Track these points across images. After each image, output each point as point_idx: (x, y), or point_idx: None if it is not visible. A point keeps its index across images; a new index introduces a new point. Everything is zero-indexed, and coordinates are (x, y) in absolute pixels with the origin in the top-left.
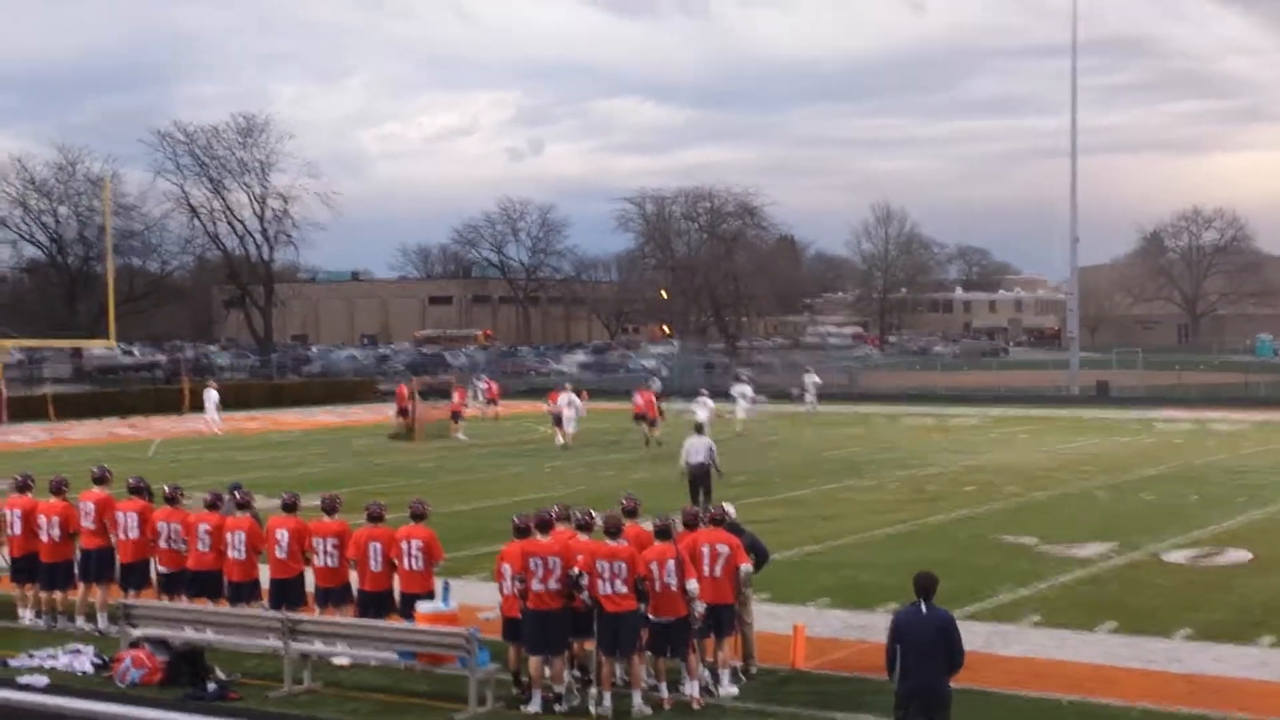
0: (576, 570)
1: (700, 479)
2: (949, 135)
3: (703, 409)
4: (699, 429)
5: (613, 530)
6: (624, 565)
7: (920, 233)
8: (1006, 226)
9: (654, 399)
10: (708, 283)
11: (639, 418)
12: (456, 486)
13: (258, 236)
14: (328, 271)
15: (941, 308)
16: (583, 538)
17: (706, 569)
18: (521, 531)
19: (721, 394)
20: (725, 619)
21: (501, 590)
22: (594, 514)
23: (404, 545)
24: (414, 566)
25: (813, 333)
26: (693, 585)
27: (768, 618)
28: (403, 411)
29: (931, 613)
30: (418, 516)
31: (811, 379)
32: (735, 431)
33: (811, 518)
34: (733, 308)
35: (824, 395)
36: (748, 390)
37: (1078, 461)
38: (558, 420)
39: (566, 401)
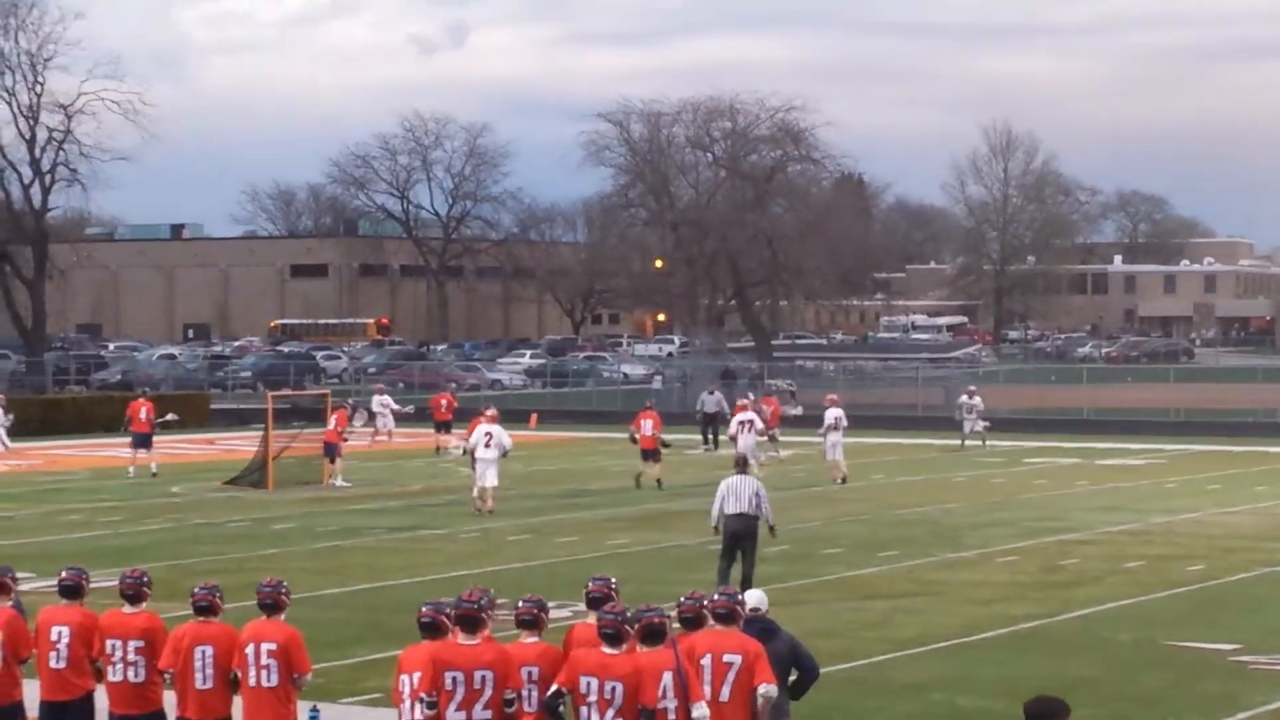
0: (521, 690)
1: (742, 538)
2: (1099, 20)
3: (743, 434)
4: (742, 465)
5: (611, 634)
6: (620, 686)
7: (1059, 171)
8: (1191, 165)
9: (657, 424)
10: (727, 247)
11: (648, 454)
12: (330, 559)
13: (24, 170)
14: (134, 225)
15: (1091, 286)
16: (528, 639)
17: (709, 689)
18: (432, 629)
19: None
20: None
21: (400, 716)
22: (544, 605)
23: (249, 651)
24: (265, 683)
25: (890, 324)
26: (700, 711)
27: None
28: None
29: None
30: (270, 608)
31: (971, 403)
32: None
33: (886, 611)
34: (767, 285)
35: (905, 420)
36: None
37: None
38: (473, 460)
39: (483, 434)
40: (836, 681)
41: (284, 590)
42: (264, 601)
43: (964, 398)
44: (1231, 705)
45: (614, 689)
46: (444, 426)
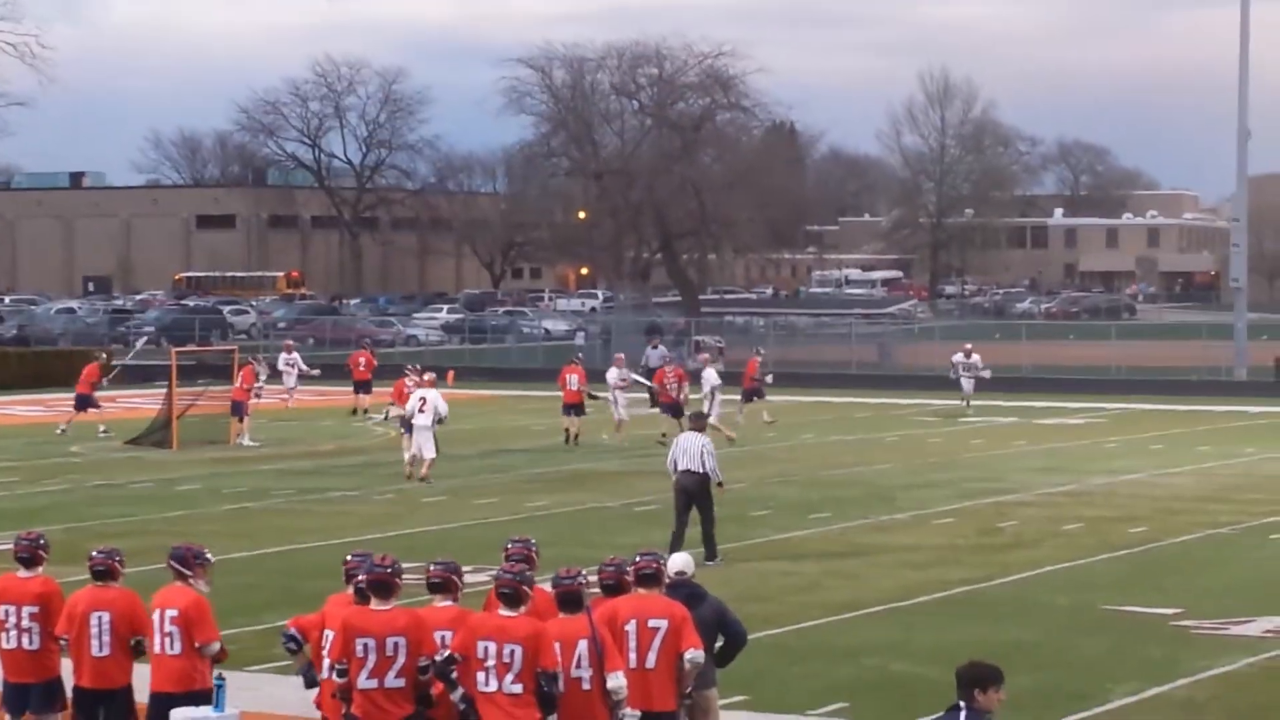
0: (437, 656)
1: (694, 495)
2: None
3: (707, 384)
4: (697, 420)
5: (509, 594)
6: (519, 650)
7: (998, 121)
8: (1136, 113)
9: (583, 378)
10: (654, 198)
11: (571, 408)
12: (239, 521)
13: None
14: (31, 174)
15: (1031, 240)
16: (441, 604)
17: (634, 656)
18: (357, 587)
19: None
20: None
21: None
22: (456, 568)
23: (155, 618)
24: (169, 650)
25: (823, 278)
26: (616, 680)
27: None
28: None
29: None
30: (179, 572)
31: (968, 363)
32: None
33: (817, 575)
34: (695, 238)
35: (838, 377)
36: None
37: (1243, 486)
38: (407, 426)
39: (418, 400)
40: (765, 647)
41: (195, 552)
42: (175, 562)
43: (959, 355)
44: (1172, 670)
45: (513, 652)
46: (363, 386)
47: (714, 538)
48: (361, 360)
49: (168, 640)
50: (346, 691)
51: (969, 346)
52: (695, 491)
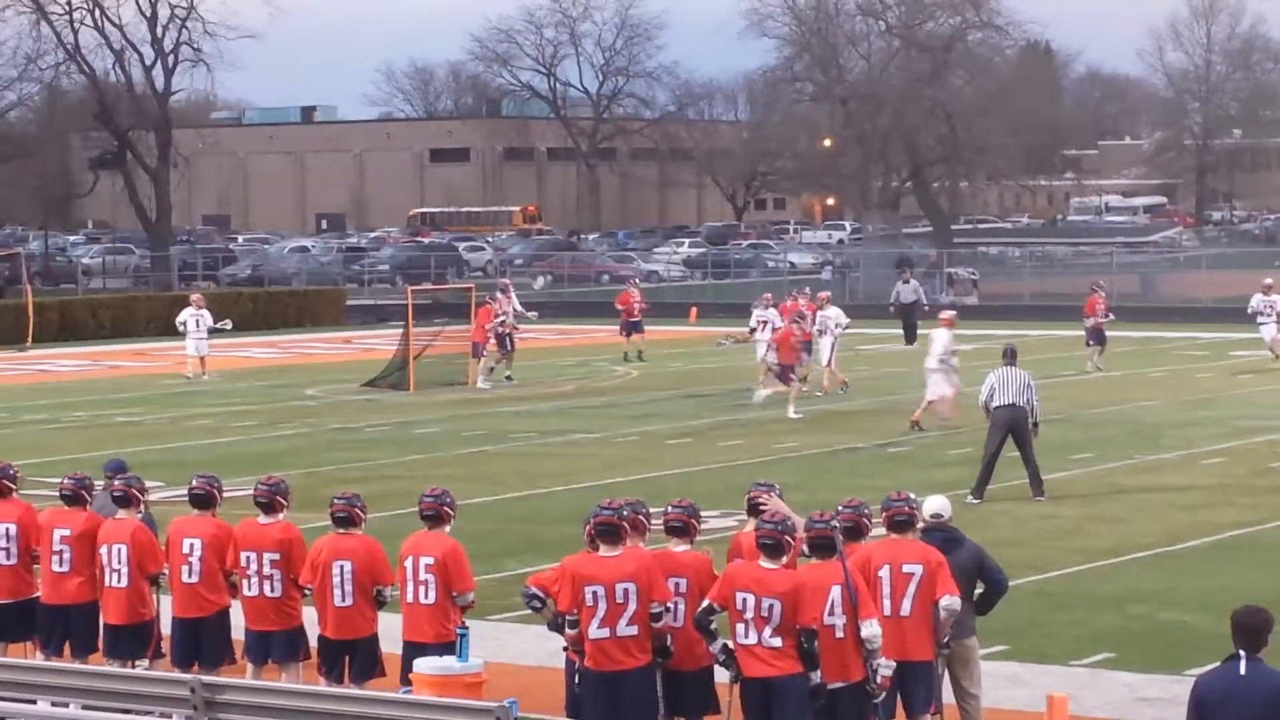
0: (671, 603)
1: (1014, 429)
2: None
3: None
4: (1010, 355)
5: (771, 544)
6: (778, 605)
7: (1268, 35)
8: None
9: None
10: (902, 124)
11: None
12: (478, 465)
13: (145, 51)
14: (262, 109)
15: None
16: (678, 549)
17: (888, 604)
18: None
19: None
20: (922, 684)
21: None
22: (695, 511)
23: (407, 565)
24: (423, 599)
25: (1082, 205)
26: (870, 629)
27: (1005, 684)
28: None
29: (1260, 675)
30: (433, 518)
31: (1270, 299)
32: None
33: (1079, 519)
34: (945, 165)
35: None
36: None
37: None
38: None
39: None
40: (1025, 594)
41: (448, 501)
42: (425, 513)
43: (1259, 297)
44: None
45: (771, 606)
46: (634, 328)
47: (1039, 471)
48: (634, 300)
49: (422, 588)
50: (578, 642)
51: (1269, 282)
52: (1016, 426)
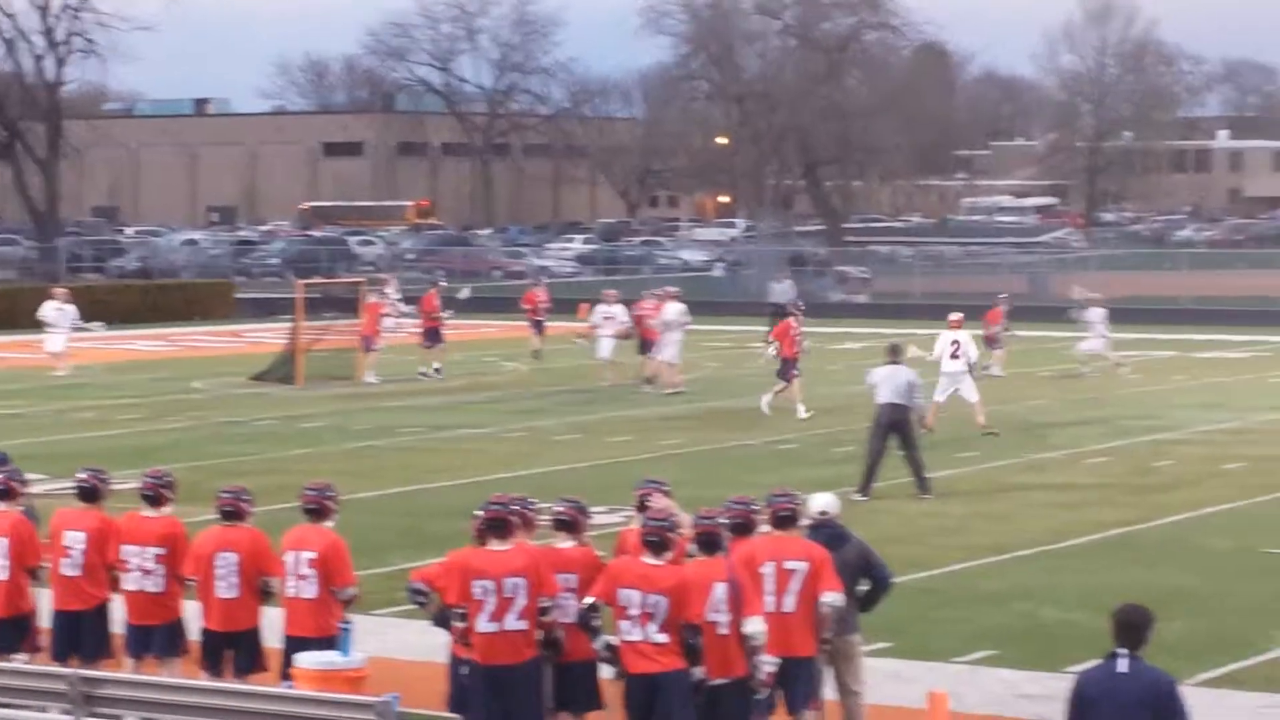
0: (561, 599)
1: (895, 427)
2: None
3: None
4: (895, 352)
5: (655, 541)
6: (664, 601)
7: (1160, 39)
8: None
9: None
10: (797, 123)
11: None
12: (365, 460)
13: (36, 40)
14: (155, 100)
15: (1193, 165)
16: (565, 544)
17: (771, 600)
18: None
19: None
20: (804, 680)
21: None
22: (583, 507)
23: (288, 559)
24: (303, 594)
25: (973, 205)
26: (754, 626)
27: (889, 681)
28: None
29: (1139, 672)
30: (315, 512)
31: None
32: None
33: (965, 516)
34: (839, 164)
35: (981, 310)
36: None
37: None
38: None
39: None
40: (910, 591)
41: (331, 495)
42: (308, 506)
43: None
44: None
45: (657, 603)
46: (539, 325)
47: (923, 465)
48: (540, 298)
49: (303, 583)
50: (466, 636)
51: (1084, 291)
52: (898, 424)
